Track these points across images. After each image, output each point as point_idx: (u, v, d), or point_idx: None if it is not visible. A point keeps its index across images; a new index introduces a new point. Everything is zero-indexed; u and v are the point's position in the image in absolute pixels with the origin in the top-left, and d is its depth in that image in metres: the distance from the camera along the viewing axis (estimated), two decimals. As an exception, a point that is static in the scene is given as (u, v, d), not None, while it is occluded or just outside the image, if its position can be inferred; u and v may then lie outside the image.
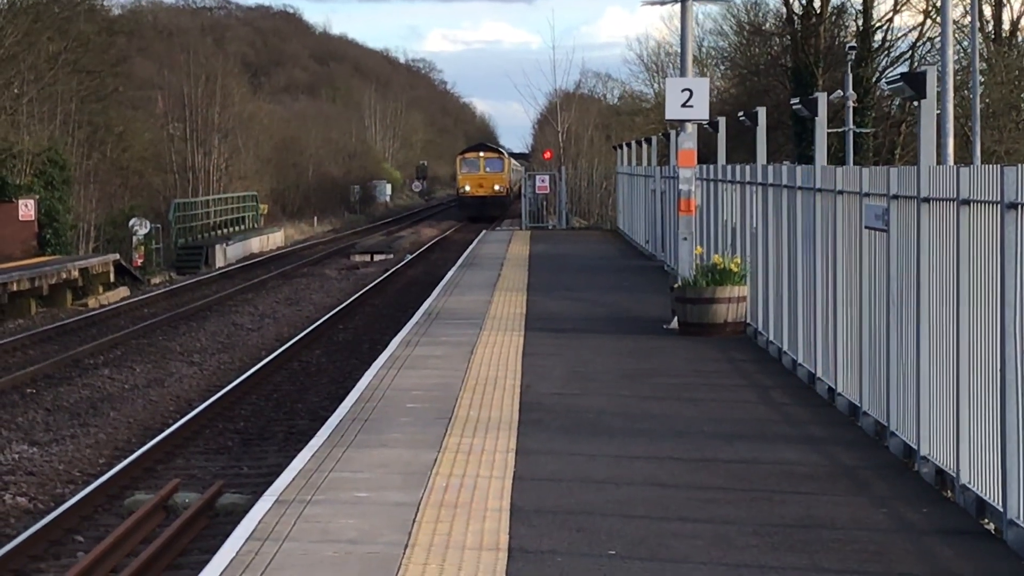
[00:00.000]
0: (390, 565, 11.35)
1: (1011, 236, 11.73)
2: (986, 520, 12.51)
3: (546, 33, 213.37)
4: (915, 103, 16.72)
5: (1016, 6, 67.57)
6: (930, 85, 16.07)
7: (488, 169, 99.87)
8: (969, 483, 12.92)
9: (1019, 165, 11.81)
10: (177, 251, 65.55)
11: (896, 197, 15.32)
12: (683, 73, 29.88)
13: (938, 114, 29.07)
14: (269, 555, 11.71)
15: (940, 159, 26.87)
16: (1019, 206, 11.59)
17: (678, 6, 30.20)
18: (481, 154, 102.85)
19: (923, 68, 16.00)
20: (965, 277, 13.02)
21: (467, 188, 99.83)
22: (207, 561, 11.94)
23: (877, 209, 16.07)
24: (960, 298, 13.11)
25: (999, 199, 11.93)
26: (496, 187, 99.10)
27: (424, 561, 11.46)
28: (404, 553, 11.70)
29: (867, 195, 16.69)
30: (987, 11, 64.84)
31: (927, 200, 14.20)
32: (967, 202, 12.94)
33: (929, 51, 62.86)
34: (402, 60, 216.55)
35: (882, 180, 15.98)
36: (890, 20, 67.99)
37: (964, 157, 44.79)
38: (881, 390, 16.04)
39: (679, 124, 29.82)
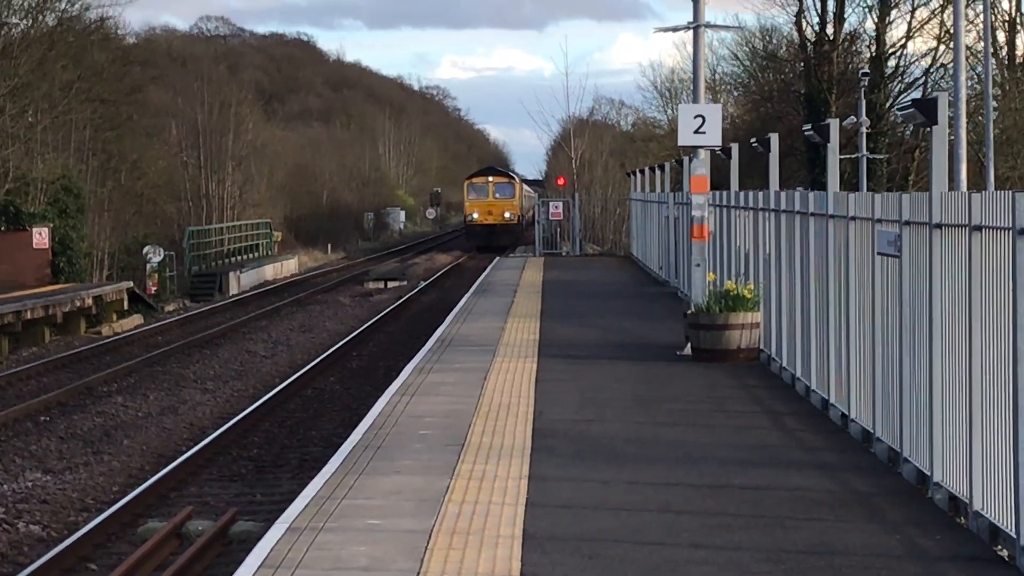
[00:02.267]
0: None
1: (1023, 262, 11.74)
2: (999, 547, 12.49)
3: (559, 60, 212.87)
4: (927, 129, 16.72)
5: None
6: (941, 111, 16.09)
7: (498, 195, 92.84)
8: (982, 510, 12.90)
9: (1032, 191, 11.81)
10: (191, 278, 65.63)
11: (908, 223, 15.32)
12: (696, 99, 29.90)
13: (951, 140, 29.13)
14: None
15: (953, 185, 26.88)
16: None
17: (691, 33, 30.24)
18: (490, 179, 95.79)
19: (935, 95, 16.01)
20: (977, 303, 13.01)
21: (475, 215, 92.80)
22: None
23: (890, 235, 16.07)
24: (972, 324, 13.10)
25: (1011, 225, 11.93)
26: (507, 214, 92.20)
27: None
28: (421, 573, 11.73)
29: (879, 221, 16.69)
30: (1000, 37, 64.87)
31: (939, 226, 14.20)
32: (979, 228, 12.94)
33: (943, 77, 62.88)
34: (416, 87, 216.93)
35: (894, 206, 15.99)
36: (903, 46, 68.06)
37: (978, 183, 44.74)
38: (894, 416, 16.02)
39: (692, 150, 29.84)
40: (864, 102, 57.68)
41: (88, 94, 66.67)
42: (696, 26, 29.98)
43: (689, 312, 27.32)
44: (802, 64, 68.80)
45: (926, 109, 16.08)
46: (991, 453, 12.72)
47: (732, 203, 29.80)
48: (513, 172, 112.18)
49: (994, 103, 48.84)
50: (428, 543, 12.88)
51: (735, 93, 78.48)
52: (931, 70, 65.85)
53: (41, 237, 55.23)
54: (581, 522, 13.82)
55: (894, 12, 67.36)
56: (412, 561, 12.28)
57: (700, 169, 29.61)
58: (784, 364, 23.47)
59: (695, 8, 29.71)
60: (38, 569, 17.16)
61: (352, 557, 12.49)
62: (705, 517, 14.06)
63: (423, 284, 62.18)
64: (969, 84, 44.07)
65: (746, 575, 11.92)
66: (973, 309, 13.08)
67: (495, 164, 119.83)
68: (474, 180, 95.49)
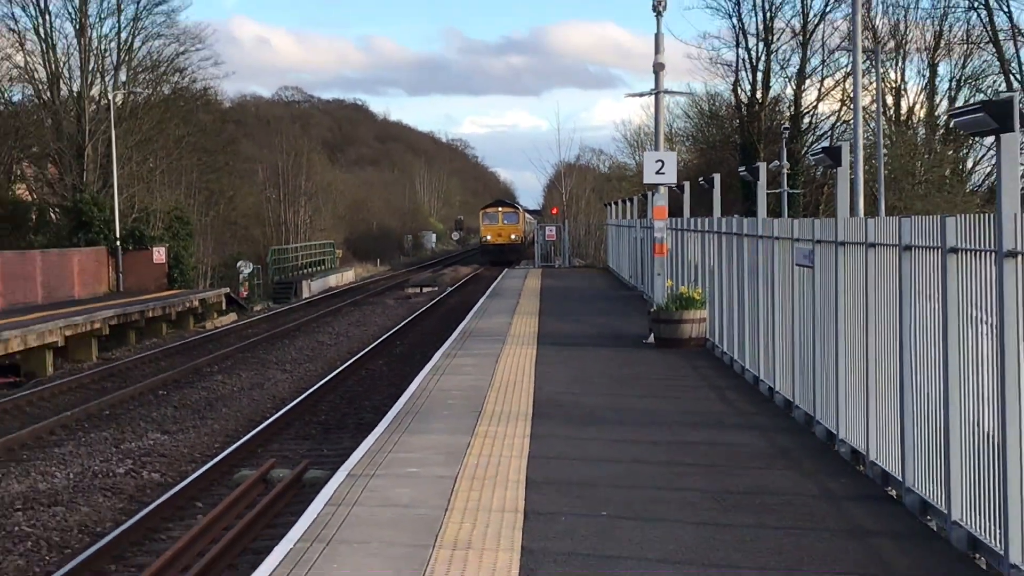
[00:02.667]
0: (434, 524, 11.37)
1: (907, 271, 11.77)
2: (889, 488, 12.49)
3: (552, 119, 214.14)
4: (833, 170, 16.70)
5: (911, 95, 67.66)
6: (844, 157, 16.08)
7: (505, 221, 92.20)
8: (876, 460, 12.90)
9: (912, 217, 11.84)
10: (273, 286, 65.66)
11: (819, 242, 15.32)
12: (657, 148, 29.89)
13: (852, 179, 29.17)
14: (342, 517, 11.73)
15: (853, 213, 26.87)
16: (912, 248, 11.62)
17: (653, 98, 30.26)
18: (500, 209, 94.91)
19: (838, 144, 15.98)
20: (872, 302, 13.02)
21: (488, 237, 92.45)
22: (295, 522, 11.96)
23: (805, 251, 16.07)
24: (868, 318, 13.12)
25: (897, 243, 11.96)
26: (512, 236, 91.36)
27: (460, 520, 11.47)
28: (445, 515, 11.71)
29: (797, 240, 16.69)
30: (889, 100, 64.91)
31: (843, 244, 14.20)
32: (873, 245, 12.95)
33: (844, 131, 62.69)
34: (444, 139, 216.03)
35: (808, 229, 15.99)
36: (815, 107, 68.03)
37: (872, 212, 44.76)
38: (809, 389, 16.02)
39: (654, 187, 29.83)
40: (785, 150, 57.64)
41: (194, 146, 66.84)
42: (657, 92, 29.98)
43: (652, 310, 27.33)
44: (738, 121, 68.71)
45: (832, 155, 16.06)
46: (883, 416, 12.73)
47: (685, 227, 29.78)
48: (518, 204, 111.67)
49: (884, 150, 48.83)
50: (454, 486, 12.89)
51: (687, 143, 78.31)
52: (836, 125, 65.70)
53: (159, 254, 55.33)
54: (570, 470, 13.83)
55: (807, 81, 67.21)
56: (442, 499, 12.30)
57: (660, 201, 29.62)
58: (725, 349, 23.46)
59: (656, 80, 29.73)
60: (158, 506, 17.21)
61: (397, 496, 12.51)
62: (665, 466, 14.06)
63: (449, 290, 62.17)
64: (865, 136, 44.05)
65: (697, 511, 11.90)
66: (869, 307, 13.09)
67: (504, 198, 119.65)
68: (487, 210, 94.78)
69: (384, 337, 39.42)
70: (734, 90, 68.99)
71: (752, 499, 12.33)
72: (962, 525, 10.46)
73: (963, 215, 10.59)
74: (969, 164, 63.61)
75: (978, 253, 10.08)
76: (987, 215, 9.89)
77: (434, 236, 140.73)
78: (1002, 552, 9.54)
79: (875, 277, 12.91)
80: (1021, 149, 9.85)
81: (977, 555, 10.20)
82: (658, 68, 29.69)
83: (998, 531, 9.64)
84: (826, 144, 57.87)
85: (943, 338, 10.75)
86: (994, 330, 9.68)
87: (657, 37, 29.48)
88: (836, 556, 10.35)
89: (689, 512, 11.83)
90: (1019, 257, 9.31)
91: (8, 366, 33.57)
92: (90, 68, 60.01)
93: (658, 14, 29.23)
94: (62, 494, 18.77)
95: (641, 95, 32.87)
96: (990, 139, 9.57)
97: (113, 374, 33.38)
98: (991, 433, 9.75)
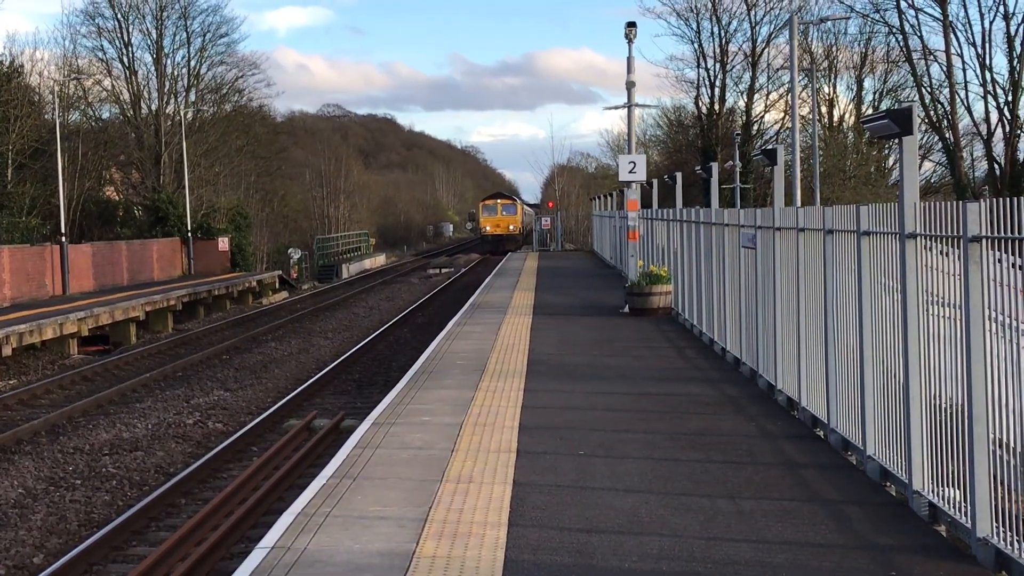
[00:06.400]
0: (442, 462, 11.38)
1: (830, 251, 11.76)
2: (818, 429, 12.50)
3: (547, 129, 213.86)
4: (771, 168, 16.67)
5: (842, 106, 67.52)
6: (779, 157, 16.05)
7: (504, 213, 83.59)
8: (807, 406, 12.92)
9: (834, 207, 11.83)
10: (318, 268, 65.67)
11: (760, 227, 15.31)
12: (630, 151, 29.88)
13: (792, 174, 29.13)
14: (368, 456, 11.75)
15: (791, 204, 26.81)
16: (834, 232, 11.61)
17: (626, 110, 30.22)
18: (498, 201, 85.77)
19: (773, 147, 15.93)
20: (802, 277, 13.02)
21: (487, 228, 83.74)
22: (337, 453, 12.06)
23: (749, 235, 16.06)
24: (800, 289, 13.11)
25: (822, 227, 11.94)
26: (511, 227, 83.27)
27: (463, 459, 11.48)
28: (451, 455, 11.72)
29: (743, 226, 16.69)
30: (823, 109, 64.76)
31: (779, 229, 14.19)
32: (803, 230, 12.94)
33: (787, 136, 62.61)
34: (458, 147, 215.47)
35: (751, 217, 15.98)
36: (762, 116, 67.92)
37: (810, 203, 44.61)
38: (753, 348, 16.04)
39: (628, 184, 29.80)
40: (738, 152, 57.49)
41: (252, 153, 66.87)
42: (629, 106, 29.96)
43: (627, 285, 27.36)
44: (699, 128, 68.51)
45: (769, 155, 16.04)
46: (812, 370, 12.75)
47: (653, 217, 29.76)
48: (516, 196, 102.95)
49: (820, 152, 48.70)
50: (459, 432, 12.90)
51: (657, 147, 78.11)
52: (780, 131, 65.52)
53: (224, 243, 55.26)
54: (556, 417, 13.84)
55: (756, 95, 67.11)
56: (449, 442, 12.31)
57: (632, 195, 29.63)
58: (686, 317, 23.46)
59: (628, 95, 29.72)
60: (220, 450, 17.26)
61: (412, 440, 12.51)
62: (633, 413, 14.06)
63: (463, 270, 62.15)
64: (803, 140, 43.99)
65: (657, 448, 11.92)
66: (800, 280, 13.09)
67: (503, 192, 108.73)
68: (486, 202, 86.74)
69: (409, 310, 39.44)
70: (695, 103, 68.96)
71: (703, 439, 12.34)
72: (875, 459, 10.47)
73: (873, 204, 10.58)
74: (890, 162, 63.40)
75: (886, 235, 10.08)
76: (893, 204, 9.88)
77: (451, 226, 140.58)
78: (907, 480, 9.56)
79: (805, 256, 12.90)
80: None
81: (887, 483, 10.22)
82: (630, 86, 29.65)
83: (904, 463, 9.66)
84: (772, 148, 57.76)
85: (859, 304, 10.76)
86: (899, 295, 9.68)
87: (629, 60, 29.44)
88: (771, 485, 10.36)
89: (651, 450, 11.83)
90: (918, 238, 9.31)
91: (99, 336, 33.63)
92: (165, 90, 60.15)
93: (629, 41, 29.19)
94: (142, 441, 18.83)
95: (616, 108, 32.99)
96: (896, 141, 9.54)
97: (185, 342, 33.44)
98: (902, 379, 9.75)
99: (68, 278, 40.33)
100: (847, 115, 67.04)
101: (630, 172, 28.37)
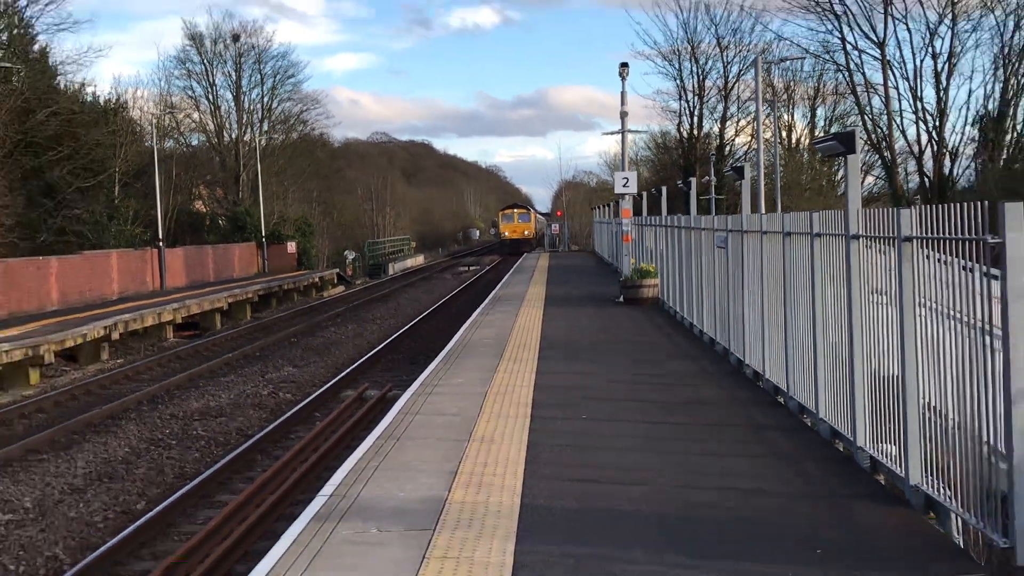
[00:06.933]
0: (469, 425, 11.36)
1: (788, 250, 11.69)
2: (779, 397, 12.43)
3: (556, 151, 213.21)
4: (739, 181, 16.59)
5: (799, 130, 67.14)
6: (747, 173, 16.02)
7: (520, 220, 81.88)
8: (769, 377, 12.86)
9: (791, 213, 11.76)
10: (369, 267, 65.72)
11: (730, 231, 15.25)
12: (624, 169, 29.85)
13: (756, 187, 28.99)
14: (408, 422, 11.75)
15: (756, 211, 26.67)
16: (791, 234, 11.55)
17: (620, 135, 30.16)
18: (515, 210, 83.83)
19: (740, 164, 15.85)
20: (766, 272, 12.96)
21: (506, 233, 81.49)
22: (376, 426, 12.03)
23: (721, 237, 16.00)
24: (763, 282, 13.05)
25: (781, 230, 11.88)
26: (525, 232, 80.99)
27: (487, 423, 11.47)
28: (477, 416, 11.72)
29: (716, 230, 16.62)
30: (784, 133, 64.44)
31: (746, 232, 14.12)
32: (765, 232, 12.88)
33: (754, 155, 62.35)
34: (484, 166, 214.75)
35: (723, 223, 15.91)
36: (734, 139, 67.63)
37: (773, 211, 44.30)
38: (725, 330, 15.97)
39: (622, 196, 29.75)
40: (713, 169, 57.22)
41: (314, 173, 67.06)
42: (623, 132, 29.92)
43: (622, 279, 27.29)
44: (681, 150, 68.26)
45: (737, 172, 16.01)
46: (773, 348, 12.68)
47: (643, 223, 29.66)
48: (530, 206, 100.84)
49: (781, 168, 48.45)
50: (484, 400, 12.88)
51: (646, 166, 77.78)
52: (747, 152, 65.17)
53: (292, 247, 55.40)
54: (563, 384, 13.81)
55: (728, 122, 66.84)
56: (475, 409, 12.29)
57: (626, 205, 29.58)
58: (671, 305, 23.36)
59: (622, 123, 29.74)
60: (289, 416, 17.30)
61: (446, 407, 12.50)
62: (627, 384, 14.02)
63: (487, 268, 62.13)
64: (767, 158, 43.76)
65: (648, 413, 11.90)
66: (763, 274, 13.03)
67: (519, 202, 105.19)
68: (505, 211, 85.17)
69: (443, 300, 39.43)
70: (678, 129, 68.58)
71: (685, 405, 12.31)
72: (826, 421, 10.41)
73: (824, 211, 10.52)
74: (838, 177, 62.92)
75: (834, 237, 10.01)
76: (840, 211, 9.82)
77: (477, 232, 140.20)
78: (852, 438, 9.51)
79: (767, 255, 12.84)
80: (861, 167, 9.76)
81: (836, 441, 10.17)
82: (623, 115, 29.60)
83: (850, 424, 9.60)
84: (740, 165, 57.60)
85: (811, 293, 10.70)
86: (845, 286, 9.63)
87: (622, 94, 29.45)
88: (739, 441, 10.33)
89: (643, 415, 11.81)
90: (860, 239, 9.25)
91: (191, 323, 33.75)
92: (243, 122, 60.50)
93: (623, 78, 29.17)
94: (225, 409, 18.90)
95: (613, 133, 33.11)
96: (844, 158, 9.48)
97: (260, 328, 33.51)
98: (847, 355, 9.70)
99: (165, 276, 40.50)
100: (803, 138, 66.53)
101: (624, 186, 28.33)
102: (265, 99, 62.25)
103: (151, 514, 11.79)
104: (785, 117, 65.05)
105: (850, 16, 54.31)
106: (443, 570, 6.76)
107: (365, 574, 6.78)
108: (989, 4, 49.81)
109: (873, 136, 55.52)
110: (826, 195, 57.87)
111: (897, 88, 54.59)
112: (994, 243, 6.59)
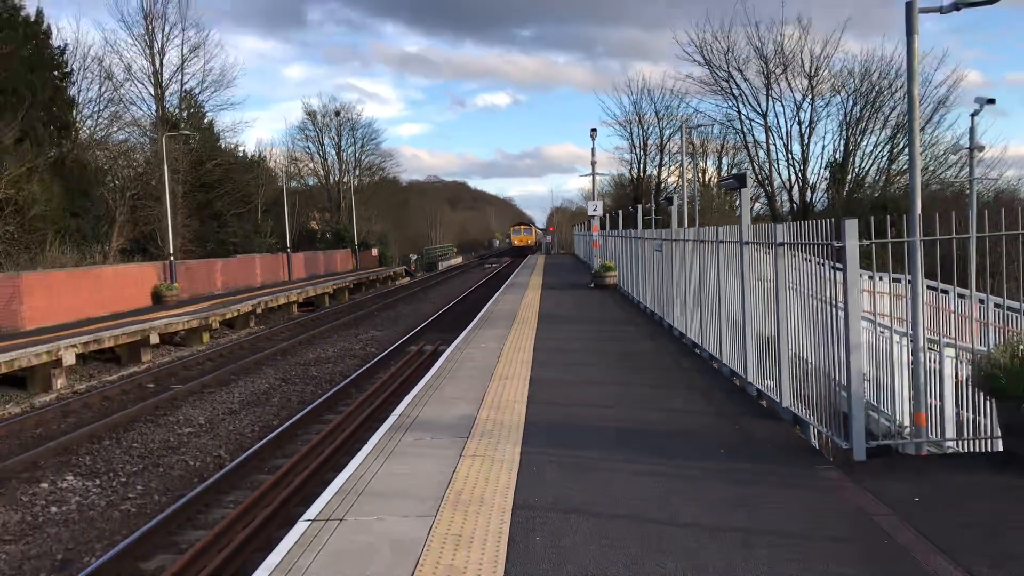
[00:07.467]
0: (491, 369, 11.24)
1: (703, 253, 11.59)
2: (697, 350, 12.31)
3: (549, 187, 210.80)
4: (670, 207, 16.44)
5: (711, 172, 66.58)
6: (676, 202, 15.93)
7: (524, 233, 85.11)
8: (690, 336, 12.75)
9: (705, 228, 11.63)
10: (426, 264, 65.58)
11: (664, 240, 15.09)
12: (594, 198, 29.66)
13: (680, 211, 28.77)
14: (451, 367, 11.62)
15: (681, 227, 26.44)
16: (704, 241, 11.45)
17: (591, 177, 29.95)
18: (521, 226, 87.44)
19: (670, 196, 15.71)
20: (688, 268, 12.86)
21: (515, 242, 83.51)
22: (429, 370, 11.98)
23: (658, 244, 15.87)
24: (686, 275, 12.93)
25: (698, 239, 11.78)
26: (528, 241, 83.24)
27: (503, 367, 11.33)
28: (496, 365, 11.62)
29: (655, 239, 16.49)
30: (701, 175, 63.88)
31: (675, 240, 13.99)
32: (687, 241, 12.76)
33: (680, 189, 61.86)
34: (501, 198, 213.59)
35: (660, 234, 15.78)
36: (667, 179, 67.27)
37: (692, 226, 43.81)
38: (661, 306, 15.83)
39: (593, 216, 29.56)
40: (654, 199, 56.74)
41: (389, 203, 66.78)
42: (593, 174, 29.70)
43: (593, 272, 27.07)
44: (632, 186, 67.90)
45: (668, 200, 15.91)
46: (692, 318, 12.59)
47: (607, 234, 29.48)
48: (532, 223, 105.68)
49: (698, 198, 48.08)
50: (501, 352, 12.75)
51: (609, 197, 77.24)
52: (676, 187, 64.75)
53: (375, 252, 55.24)
54: (552, 344, 13.59)
55: (664, 168, 66.51)
56: (494, 359, 12.16)
57: (595, 223, 29.37)
58: (626, 290, 23.09)
59: (592, 168, 29.50)
60: (374, 363, 17.28)
61: (474, 358, 12.33)
62: (594, 341, 13.87)
63: (505, 264, 61.89)
64: (689, 192, 43.56)
65: (608, 362, 11.73)
66: (686, 268, 12.92)
67: (523, 221, 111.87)
68: (514, 227, 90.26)
69: (475, 287, 39.32)
70: (630, 172, 68.12)
71: (634, 357, 12.18)
72: (728, 365, 10.35)
73: (726, 226, 10.44)
74: (736, 204, 62.36)
75: (733, 243, 9.93)
76: (736, 227, 9.74)
77: (497, 241, 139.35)
78: (744, 376, 9.46)
79: (689, 255, 12.73)
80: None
81: (735, 378, 10.11)
82: (593, 164, 29.38)
83: (743, 366, 9.55)
84: (671, 196, 57.29)
85: (718, 282, 10.63)
86: (739, 276, 9.57)
87: (592, 150, 29.21)
88: (672, 379, 10.26)
89: (604, 362, 11.72)
90: (749, 244, 9.18)
91: (308, 302, 33.75)
92: (342, 169, 60.60)
93: (593, 139, 28.97)
94: (331, 358, 18.90)
95: (586, 175, 33.04)
96: (740, 191, 9.37)
97: (355, 305, 33.38)
98: (740, 320, 9.65)
99: (291, 272, 40.58)
100: (713, 177, 66.13)
101: (594, 211, 28.22)
102: (356, 154, 62.45)
103: (282, 427, 11.85)
104: (701, 164, 64.56)
105: (744, 97, 54.14)
106: (473, 464, 6.77)
107: (423, 465, 6.79)
108: (836, 88, 49.68)
109: (759, 176, 55.27)
110: (728, 216, 57.41)
111: (775, 144, 54.34)
112: (838, 247, 6.57)
